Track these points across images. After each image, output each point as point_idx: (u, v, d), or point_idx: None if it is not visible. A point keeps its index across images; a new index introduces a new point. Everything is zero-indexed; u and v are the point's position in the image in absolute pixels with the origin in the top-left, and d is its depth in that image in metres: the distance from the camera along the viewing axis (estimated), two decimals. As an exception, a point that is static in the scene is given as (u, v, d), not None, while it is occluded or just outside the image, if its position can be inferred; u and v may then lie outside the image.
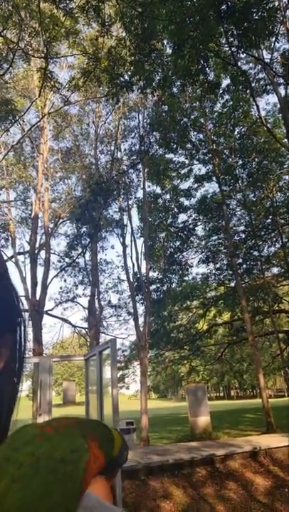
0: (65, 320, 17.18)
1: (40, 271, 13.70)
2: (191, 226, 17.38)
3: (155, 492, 5.83)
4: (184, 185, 18.08)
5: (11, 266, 14.92)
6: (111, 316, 19.34)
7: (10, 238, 14.90)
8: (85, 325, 16.81)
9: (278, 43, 11.20)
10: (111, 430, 0.52)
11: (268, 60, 10.69)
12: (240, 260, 16.08)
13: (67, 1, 8.30)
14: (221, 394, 58.71)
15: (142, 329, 13.54)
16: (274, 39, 9.42)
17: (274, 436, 9.20)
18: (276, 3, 8.39)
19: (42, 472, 0.37)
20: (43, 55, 9.74)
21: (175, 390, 58.87)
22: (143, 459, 6.80)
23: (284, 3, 9.05)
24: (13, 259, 14.29)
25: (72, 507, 0.38)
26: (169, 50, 10.27)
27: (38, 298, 12.73)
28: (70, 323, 17.40)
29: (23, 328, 0.54)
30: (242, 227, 17.01)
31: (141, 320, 14.37)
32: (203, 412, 10.80)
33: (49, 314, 16.03)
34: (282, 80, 10.84)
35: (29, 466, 0.37)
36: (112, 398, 4.16)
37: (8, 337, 0.51)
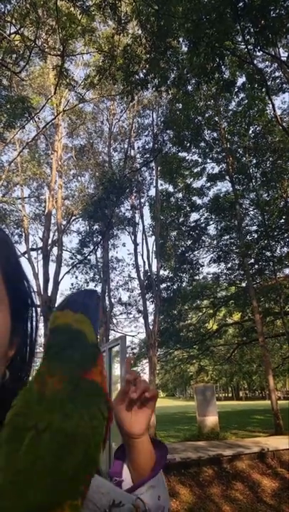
0: (75, 316, 17.31)
1: (52, 267, 13.84)
2: (203, 225, 17.32)
3: (161, 490, 5.84)
4: (197, 184, 17.99)
5: (24, 262, 15.16)
6: (121, 314, 19.41)
7: (23, 234, 15.08)
8: (95, 322, 16.90)
9: (296, 41, 11.06)
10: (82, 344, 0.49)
11: (285, 58, 10.57)
12: (252, 260, 15.93)
13: (84, -1, 8.33)
14: (230, 394, 58.46)
15: (151, 327, 13.56)
16: (291, 37, 9.30)
17: (282, 438, 9.12)
18: (295, 1, 8.27)
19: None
20: (59, 52, 9.79)
21: (183, 389, 58.85)
22: (150, 456, 6.81)
23: (303, 0, 8.91)
24: (26, 255, 14.46)
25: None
26: (184, 48, 10.22)
27: (49, 294, 12.85)
28: (80, 319, 17.52)
29: (34, 317, 0.56)
30: (254, 227, 16.85)
31: (151, 318, 14.39)
32: (212, 411, 10.77)
33: (60, 310, 16.17)
34: (299, 79, 10.69)
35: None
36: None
37: (19, 327, 0.53)
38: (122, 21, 9.05)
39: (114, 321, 18.78)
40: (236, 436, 10.92)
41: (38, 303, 12.66)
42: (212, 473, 6.49)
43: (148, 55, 9.16)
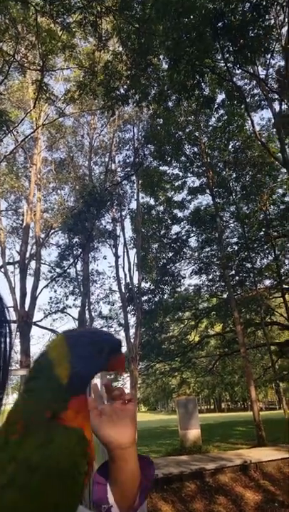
0: (54, 331, 16.97)
1: (29, 281, 13.60)
2: (184, 237, 17.47)
3: (144, 507, 5.71)
4: (178, 197, 18.20)
5: None
6: (102, 328, 19.15)
7: (0, 248, 14.79)
8: (76, 336, 16.63)
9: (273, 59, 11.52)
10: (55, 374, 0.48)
11: (263, 76, 10.94)
12: (233, 272, 16.13)
13: (65, 16, 8.44)
14: (212, 406, 58.25)
15: (132, 341, 13.46)
16: (269, 56, 9.66)
17: (265, 449, 9.12)
18: (272, 21, 8.64)
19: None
20: (38, 67, 9.84)
21: (165, 403, 58.28)
22: (132, 473, 6.68)
23: (280, 21, 9.31)
24: (2, 270, 14.17)
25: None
26: (165, 65, 10.46)
27: (26, 309, 12.59)
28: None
29: (8, 338, 0.55)
30: (235, 239, 17.13)
31: (132, 331, 14.29)
32: (194, 424, 10.69)
33: (38, 325, 15.84)
34: (276, 96, 11.06)
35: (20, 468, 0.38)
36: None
37: None
38: (103, 38, 9.20)
39: (96, 334, 18.51)
40: (219, 448, 10.84)
41: (14, 318, 12.39)
42: (195, 487, 6.41)
43: (129, 72, 9.32)
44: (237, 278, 16.36)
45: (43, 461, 0.39)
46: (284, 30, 9.29)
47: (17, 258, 15.36)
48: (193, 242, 18.09)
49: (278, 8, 8.80)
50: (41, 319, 16.68)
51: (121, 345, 0.57)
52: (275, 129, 12.86)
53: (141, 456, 0.69)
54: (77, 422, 0.44)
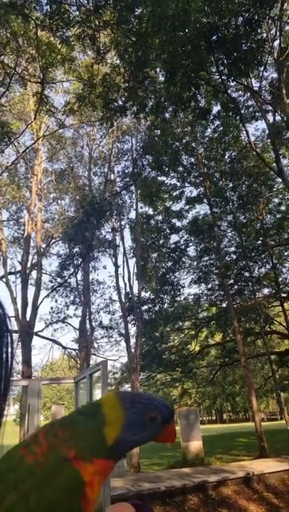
0: (55, 341, 16.93)
1: (31, 291, 13.59)
2: (182, 247, 17.51)
3: (145, 521, 5.62)
4: (176, 207, 18.31)
5: (1, 286, 14.81)
6: (102, 337, 19.10)
7: (1, 258, 14.82)
8: (76, 346, 16.58)
9: (266, 72, 11.65)
10: (100, 425, 0.47)
11: (257, 88, 11.10)
12: (232, 281, 16.14)
13: (64, 30, 8.60)
14: (213, 417, 57.62)
15: (133, 350, 13.38)
16: (262, 68, 9.81)
17: (267, 461, 9.01)
18: (264, 35, 8.81)
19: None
20: (39, 80, 10.00)
21: (167, 414, 57.51)
22: (134, 486, 6.60)
23: (271, 34, 9.50)
24: (3, 279, 14.17)
25: None
26: (161, 78, 10.62)
27: (28, 319, 12.57)
28: (60, 344, 17.14)
29: (9, 347, 0.55)
30: (233, 248, 17.18)
31: (132, 341, 14.22)
32: (196, 436, 10.57)
33: (39, 335, 15.80)
34: (270, 107, 11.22)
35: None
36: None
37: None
38: (101, 51, 9.36)
39: (96, 345, 18.46)
40: (221, 461, 10.71)
41: (16, 328, 12.35)
42: (197, 501, 6.31)
43: (126, 84, 9.47)
44: (236, 287, 16.37)
45: (41, 501, 0.39)
46: (276, 43, 9.48)
47: (18, 268, 15.38)
48: (191, 251, 18.16)
49: (270, 22, 8.99)
50: (42, 329, 16.66)
51: (174, 415, 0.56)
52: (269, 140, 13.00)
53: (143, 506, 0.65)
54: (91, 480, 0.43)
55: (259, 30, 8.06)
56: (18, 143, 13.77)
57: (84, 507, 0.43)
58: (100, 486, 0.45)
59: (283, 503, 6.42)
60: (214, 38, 7.93)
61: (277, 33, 9.00)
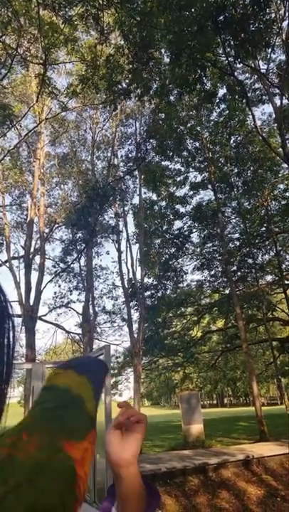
0: (58, 326, 17.06)
1: (34, 276, 13.63)
2: (186, 233, 17.44)
3: (147, 501, 5.76)
4: (180, 193, 18.18)
5: (5, 271, 14.87)
6: (105, 322, 19.25)
7: (4, 243, 14.83)
8: (79, 331, 16.71)
9: (274, 54, 11.41)
10: (81, 403, 0.47)
11: (264, 71, 10.86)
12: (235, 268, 16.11)
13: (67, 9, 8.38)
14: (215, 401, 58.52)
15: (136, 336, 13.49)
16: (270, 50, 9.58)
17: (267, 444, 9.16)
18: (273, 15, 8.54)
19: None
20: (41, 61, 9.79)
21: (168, 398, 58.61)
22: (135, 467, 6.73)
23: (280, 15, 9.21)
24: (7, 264, 14.21)
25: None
26: (166, 59, 10.39)
27: (31, 303, 12.64)
28: (63, 328, 17.28)
29: (11, 331, 0.54)
30: (237, 235, 17.10)
31: (135, 326, 14.33)
32: (197, 419, 10.74)
33: (42, 320, 15.91)
34: (277, 91, 10.97)
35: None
36: (105, 406, 4.12)
37: None
38: (105, 32, 9.13)
39: (99, 329, 18.62)
40: (221, 443, 10.90)
41: (20, 312, 12.43)
42: (198, 482, 6.45)
43: (131, 66, 9.26)
44: (239, 274, 16.35)
45: (32, 491, 0.37)
46: (284, 24, 9.23)
47: (22, 253, 15.40)
48: (195, 237, 18.10)
49: (279, 1, 8.71)
50: (46, 314, 16.76)
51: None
52: (276, 124, 12.78)
53: (147, 484, 0.67)
54: (83, 455, 0.43)
55: (267, 10, 7.81)
56: (21, 126, 13.58)
57: (78, 486, 0.41)
58: (92, 453, 0.45)
59: (282, 485, 6.55)
60: (221, 18, 7.70)
61: (286, 14, 8.73)
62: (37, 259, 15.11)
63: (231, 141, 15.58)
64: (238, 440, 11.70)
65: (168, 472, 6.47)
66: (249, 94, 12.50)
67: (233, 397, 56.22)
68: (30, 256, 13.97)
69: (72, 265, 16.48)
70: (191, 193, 17.28)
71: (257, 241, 15.66)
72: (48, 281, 16.04)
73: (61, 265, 16.80)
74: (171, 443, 11.71)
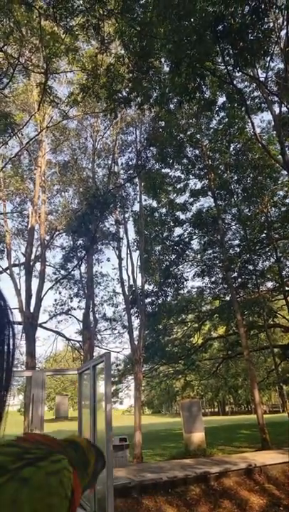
0: (59, 333, 17.02)
1: (35, 283, 13.63)
2: (186, 240, 17.46)
3: (148, 511, 5.70)
4: (180, 200, 18.23)
5: (5, 278, 14.87)
6: (105, 330, 19.20)
7: (5, 250, 14.85)
8: (79, 338, 16.66)
9: (273, 62, 11.53)
10: (84, 451, 0.63)
11: (263, 79, 10.94)
12: (235, 274, 16.10)
13: (68, 19, 8.50)
14: (216, 409, 58.02)
15: (136, 343, 13.44)
16: (269, 58, 9.66)
17: (269, 452, 9.07)
18: (271, 25, 8.65)
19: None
20: (42, 70, 9.91)
21: (169, 406, 58.13)
22: (136, 476, 6.67)
23: (278, 24, 9.32)
24: (7, 271, 14.21)
25: None
26: (166, 68, 10.50)
27: (32, 310, 12.62)
28: (64, 336, 17.23)
29: (12, 338, 0.54)
30: (237, 242, 17.12)
31: (135, 333, 14.27)
32: (198, 428, 10.65)
33: (43, 327, 15.87)
34: (276, 98, 11.06)
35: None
36: (105, 414, 4.10)
37: None
38: (105, 41, 9.25)
39: (99, 337, 18.56)
40: (223, 452, 10.80)
41: (20, 319, 12.39)
42: (199, 491, 6.38)
43: (131, 74, 9.36)
44: (239, 280, 16.34)
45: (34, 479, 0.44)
46: (283, 33, 9.32)
47: (22, 260, 15.41)
48: (195, 244, 18.12)
49: (277, 11, 8.82)
50: (46, 321, 16.72)
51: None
52: (275, 132, 12.86)
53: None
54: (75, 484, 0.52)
55: (266, 20, 7.92)
56: (22, 134, 13.69)
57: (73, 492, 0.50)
58: (79, 496, 0.55)
59: (284, 494, 6.47)
60: (220, 27, 7.79)
61: (285, 23, 8.84)
62: (37, 266, 15.14)
63: (231, 149, 15.67)
64: (239, 448, 11.59)
65: (169, 481, 6.40)
66: (248, 102, 12.59)
67: (234, 405, 55.76)
68: (31, 263, 13.99)
69: (72, 272, 16.49)
70: (191, 199, 17.35)
71: (257, 247, 15.67)
72: (49, 288, 16.06)
73: (62, 272, 16.81)
74: (172, 451, 11.60)
